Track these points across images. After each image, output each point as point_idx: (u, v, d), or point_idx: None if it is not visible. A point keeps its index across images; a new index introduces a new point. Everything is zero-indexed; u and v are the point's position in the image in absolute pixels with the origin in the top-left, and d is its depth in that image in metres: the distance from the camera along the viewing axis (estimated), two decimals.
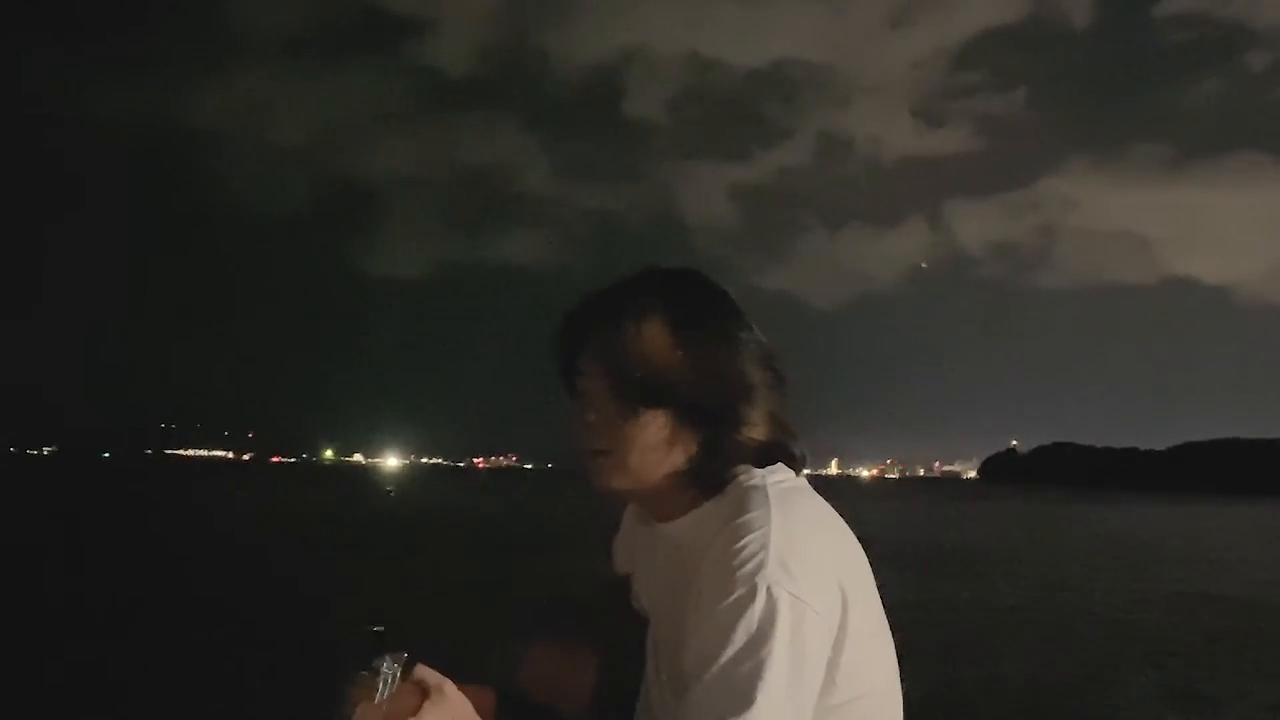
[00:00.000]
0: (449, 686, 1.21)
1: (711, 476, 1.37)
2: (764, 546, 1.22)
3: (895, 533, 32.49)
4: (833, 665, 1.25)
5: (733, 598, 1.19)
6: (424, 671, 1.21)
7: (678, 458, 1.36)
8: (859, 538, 1.38)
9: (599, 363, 1.37)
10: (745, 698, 1.14)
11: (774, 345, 1.44)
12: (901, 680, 1.37)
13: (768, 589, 1.18)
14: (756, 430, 1.38)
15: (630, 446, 1.36)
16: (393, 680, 1.17)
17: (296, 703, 7.47)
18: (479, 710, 1.26)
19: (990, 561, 24.55)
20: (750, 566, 1.20)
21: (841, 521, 1.38)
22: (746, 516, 1.27)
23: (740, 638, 1.17)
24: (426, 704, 1.18)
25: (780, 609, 1.18)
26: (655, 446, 1.36)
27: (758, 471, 1.36)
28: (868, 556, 1.37)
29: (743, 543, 1.23)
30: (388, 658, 1.17)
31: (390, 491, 48.55)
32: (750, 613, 1.18)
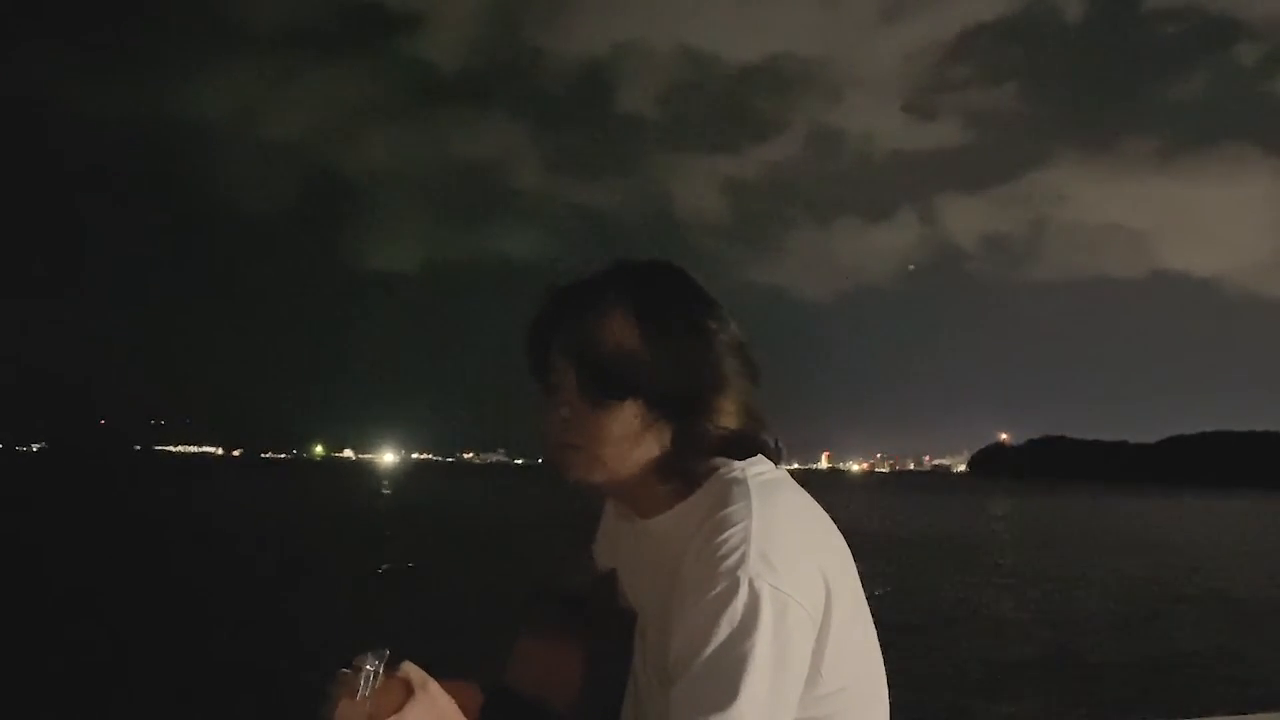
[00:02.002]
0: (433, 684, 1.20)
1: (685, 468, 1.35)
2: (745, 540, 1.22)
3: (885, 526, 32.59)
4: (817, 657, 1.24)
5: (715, 592, 1.19)
6: (407, 668, 1.19)
7: (650, 449, 1.36)
8: (850, 531, 1.38)
9: (567, 356, 1.37)
10: (730, 691, 1.14)
11: (747, 335, 1.41)
12: (887, 670, 1.36)
13: (750, 582, 1.18)
14: (729, 420, 1.36)
15: (601, 439, 1.35)
16: (375, 677, 1.15)
17: (282, 699, 7.44)
18: (464, 707, 1.25)
19: (978, 553, 24.64)
20: (732, 560, 1.20)
21: (823, 512, 1.37)
22: (727, 510, 1.26)
23: (723, 632, 1.17)
24: (410, 702, 1.17)
25: (763, 602, 1.18)
26: (626, 438, 1.35)
27: (737, 464, 1.34)
28: (858, 549, 1.36)
29: (724, 536, 1.23)
30: (370, 654, 1.16)
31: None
32: (733, 606, 1.18)
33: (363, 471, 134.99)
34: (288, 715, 6.57)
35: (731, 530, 1.23)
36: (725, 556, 1.21)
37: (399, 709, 1.17)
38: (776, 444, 1.41)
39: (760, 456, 1.37)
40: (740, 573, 1.19)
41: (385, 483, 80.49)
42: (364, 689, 1.15)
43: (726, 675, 1.15)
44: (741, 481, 1.31)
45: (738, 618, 1.17)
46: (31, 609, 12.98)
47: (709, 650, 1.17)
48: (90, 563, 18.59)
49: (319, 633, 10.84)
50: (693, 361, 1.35)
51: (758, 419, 1.40)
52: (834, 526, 1.37)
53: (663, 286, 1.40)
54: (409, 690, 1.18)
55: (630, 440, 1.35)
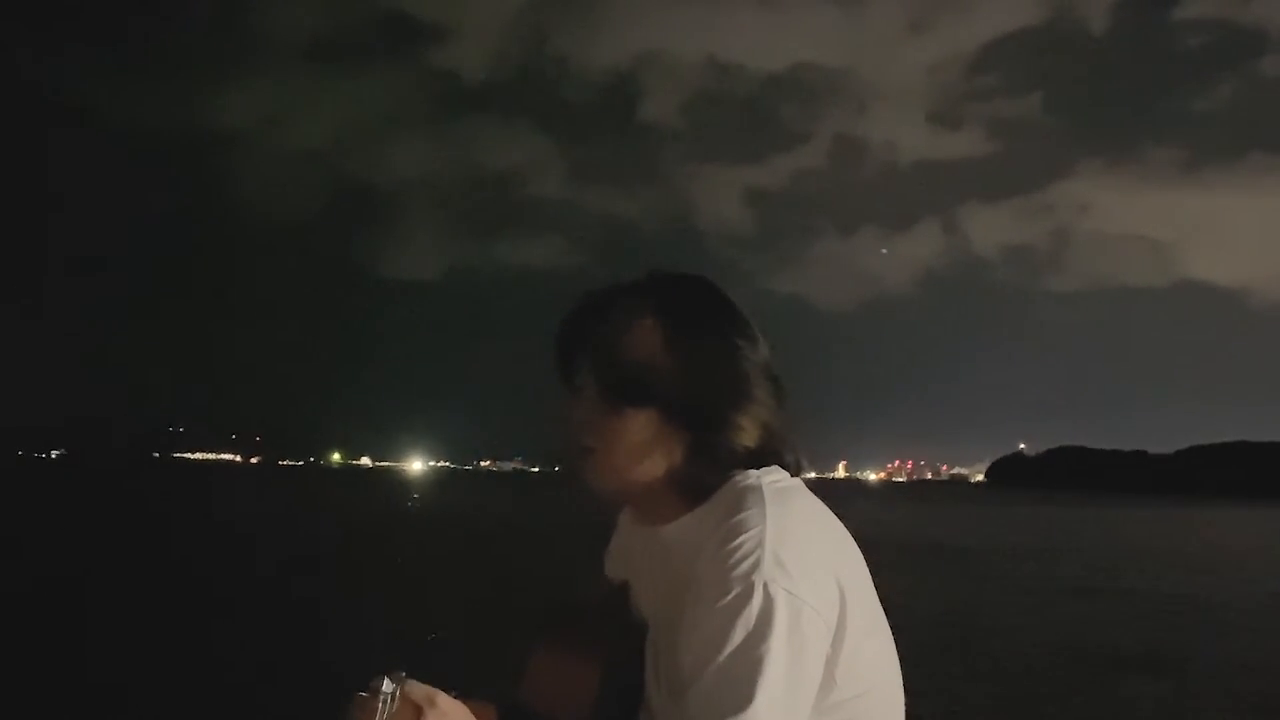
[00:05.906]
0: (441, 697, 1.19)
1: (697, 480, 1.35)
2: (760, 544, 1.21)
3: (901, 536, 32.44)
4: (831, 662, 1.24)
5: (729, 596, 1.18)
6: (412, 688, 1.18)
7: (662, 460, 1.36)
8: (865, 540, 1.37)
9: (590, 359, 1.38)
10: (744, 695, 1.13)
11: (777, 358, 1.42)
12: (905, 680, 1.36)
13: (764, 586, 1.18)
14: (747, 437, 1.36)
15: (615, 444, 1.36)
16: (392, 701, 1.15)
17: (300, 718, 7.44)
18: None
19: (995, 565, 24.51)
20: (746, 565, 1.20)
21: (837, 521, 1.36)
22: (742, 515, 1.26)
23: (738, 636, 1.16)
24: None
25: (777, 606, 1.17)
26: (640, 446, 1.35)
27: (753, 472, 1.34)
28: (874, 559, 1.36)
29: (738, 541, 1.22)
30: (386, 677, 1.16)
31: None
32: (747, 611, 1.17)
33: (387, 479, 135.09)
34: None
35: (746, 535, 1.22)
36: (740, 561, 1.20)
37: None
38: (796, 462, 1.40)
39: (775, 466, 1.37)
40: (755, 577, 1.18)
41: (415, 491, 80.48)
42: (382, 712, 1.14)
43: (741, 679, 1.14)
44: (756, 488, 1.30)
45: (752, 622, 1.17)
46: (48, 616, 13.04)
47: (723, 655, 1.16)
48: (108, 570, 18.67)
49: (337, 651, 10.86)
50: (715, 375, 1.35)
51: (779, 438, 1.39)
52: (848, 534, 1.36)
53: (694, 300, 1.40)
54: (420, 711, 1.17)
55: (644, 448, 1.35)
